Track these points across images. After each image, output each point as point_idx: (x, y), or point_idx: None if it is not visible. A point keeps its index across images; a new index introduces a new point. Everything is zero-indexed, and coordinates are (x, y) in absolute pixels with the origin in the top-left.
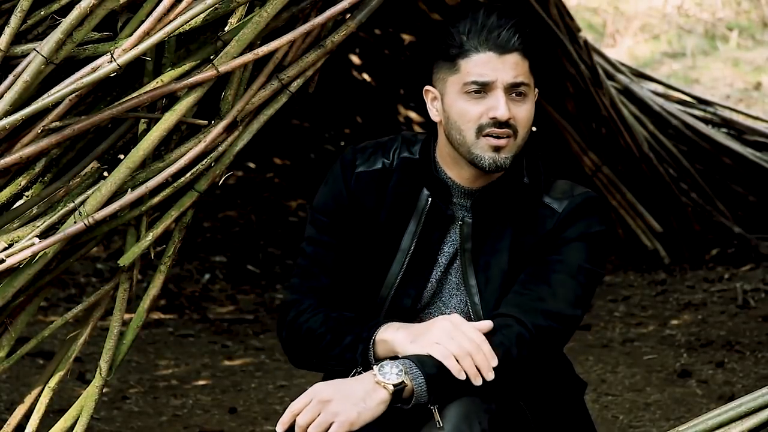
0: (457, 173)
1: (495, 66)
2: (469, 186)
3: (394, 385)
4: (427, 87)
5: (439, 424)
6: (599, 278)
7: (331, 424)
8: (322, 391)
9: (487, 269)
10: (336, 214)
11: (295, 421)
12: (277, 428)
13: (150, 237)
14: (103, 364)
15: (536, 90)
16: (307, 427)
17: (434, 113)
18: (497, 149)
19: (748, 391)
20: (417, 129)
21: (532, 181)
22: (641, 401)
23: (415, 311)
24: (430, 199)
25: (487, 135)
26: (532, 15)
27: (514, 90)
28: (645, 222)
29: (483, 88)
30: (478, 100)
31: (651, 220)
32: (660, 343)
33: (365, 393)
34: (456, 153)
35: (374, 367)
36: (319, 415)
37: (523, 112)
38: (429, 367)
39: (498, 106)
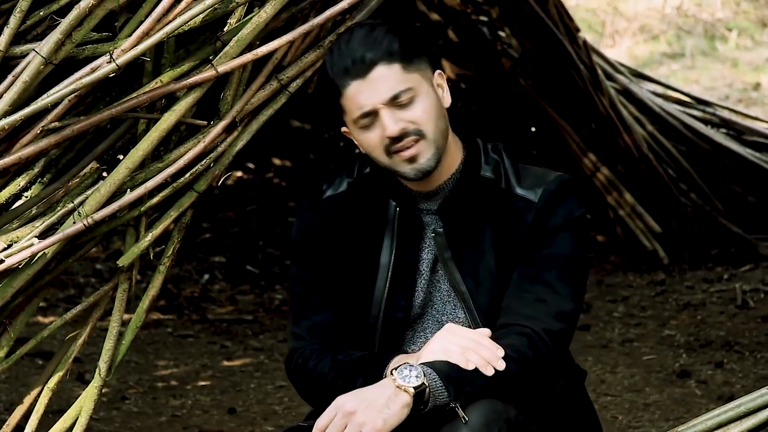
0: (407, 182)
1: (366, 93)
2: (426, 189)
3: (415, 388)
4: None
5: (465, 420)
6: (590, 263)
7: None
8: (345, 403)
9: (475, 274)
10: (310, 245)
11: None
12: None
13: (149, 237)
14: (102, 364)
15: (436, 72)
16: None
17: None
18: (412, 160)
19: (747, 392)
20: None
21: (497, 174)
22: (640, 401)
23: (408, 322)
24: (398, 208)
25: (396, 152)
26: (532, 15)
27: (395, 102)
28: (644, 222)
29: (369, 116)
30: (372, 127)
31: (650, 220)
32: (659, 343)
33: (388, 399)
34: None
35: (393, 372)
36: (345, 427)
37: (416, 113)
38: (440, 366)
39: (385, 126)
